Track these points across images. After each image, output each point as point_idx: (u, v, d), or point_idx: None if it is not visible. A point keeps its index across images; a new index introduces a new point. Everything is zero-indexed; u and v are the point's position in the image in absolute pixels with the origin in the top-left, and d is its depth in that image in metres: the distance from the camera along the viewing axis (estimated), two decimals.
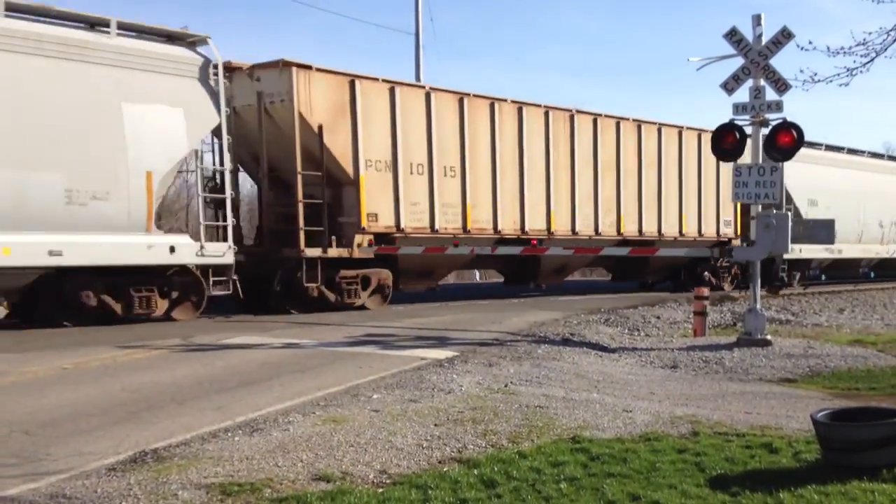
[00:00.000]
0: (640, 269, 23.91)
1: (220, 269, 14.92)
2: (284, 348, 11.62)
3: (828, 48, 10.79)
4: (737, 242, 24.32)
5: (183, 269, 14.76)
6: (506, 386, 8.93)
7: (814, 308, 20.04)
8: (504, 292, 23.50)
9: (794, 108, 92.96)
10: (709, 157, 20.33)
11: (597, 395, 8.75)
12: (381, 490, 5.38)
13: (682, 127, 23.73)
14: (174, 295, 14.85)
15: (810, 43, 11.11)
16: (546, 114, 20.58)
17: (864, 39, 10.61)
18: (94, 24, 13.82)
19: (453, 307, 18.38)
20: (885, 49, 10.61)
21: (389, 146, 17.28)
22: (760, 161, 12.74)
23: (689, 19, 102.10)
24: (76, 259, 13.21)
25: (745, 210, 24.57)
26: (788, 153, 12.89)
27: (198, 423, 7.01)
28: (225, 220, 15.39)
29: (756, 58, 12.52)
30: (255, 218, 19.12)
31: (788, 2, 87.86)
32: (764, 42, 12.53)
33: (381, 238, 17.24)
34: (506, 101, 19.69)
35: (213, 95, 14.91)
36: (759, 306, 12.82)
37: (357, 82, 16.82)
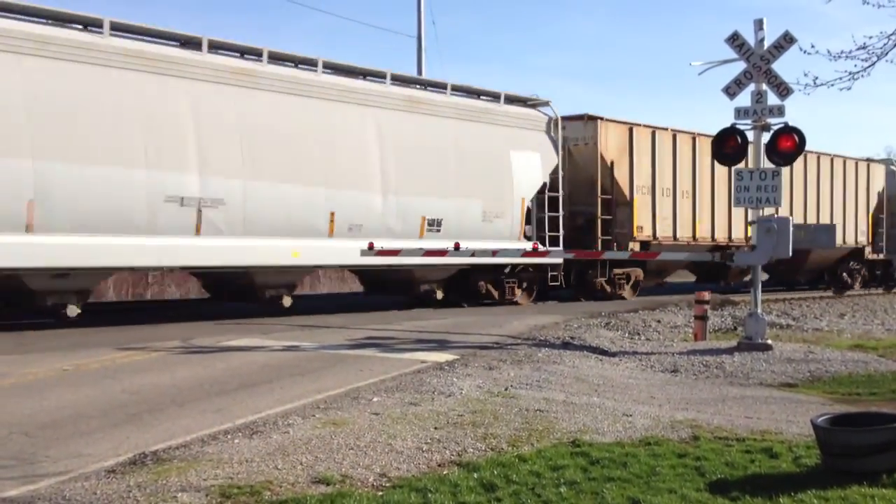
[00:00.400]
0: (795, 270, 27.74)
1: (554, 267, 19.96)
2: (285, 351, 11.63)
3: (829, 52, 10.76)
4: (868, 249, 29.13)
5: (525, 267, 19.73)
6: (506, 389, 8.93)
7: (814, 313, 20.05)
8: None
9: (796, 113, 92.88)
10: (849, 177, 28.24)
11: (597, 399, 8.74)
12: (380, 493, 5.37)
13: (832, 155, 28.81)
14: (524, 285, 20.02)
15: (812, 46, 11.12)
16: None
17: (865, 43, 10.60)
18: (480, 95, 19.57)
19: (457, 311, 18.39)
20: (886, 53, 10.60)
21: (650, 175, 22.18)
22: (762, 166, 12.74)
23: (690, 24, 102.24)
24: (487, 258, 17.12)
25: (876, 221, 28.70)
26: (790, 158, 12.91)
27: (198, 425, 7.02)
28: (557, 230, 20.13)
29: (758, 62, 12.51)
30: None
31: (790, 7, 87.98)
32: (766, 46, 12.53)
33: (643, 245, 21.85)
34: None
35: (554, 143, 20.29)
36: (759, 310, 12.81)
37: (633, 129, 21.86)
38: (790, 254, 12.68)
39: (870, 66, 10.71)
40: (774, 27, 12.84)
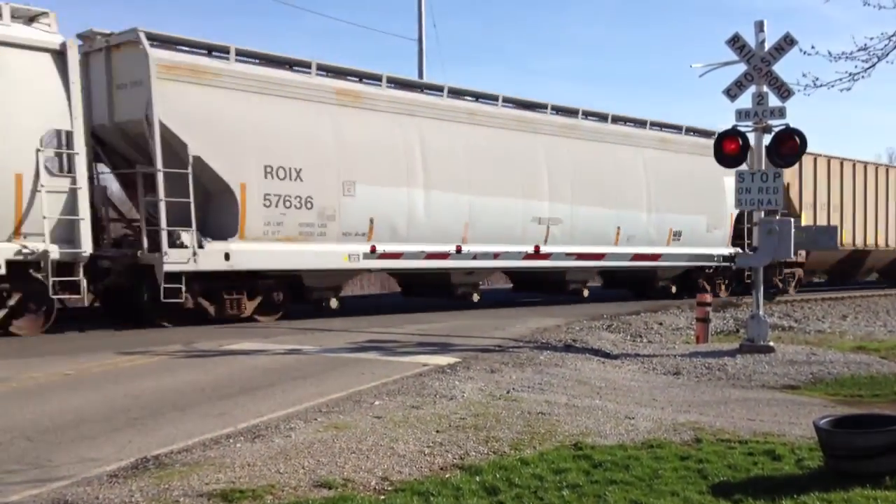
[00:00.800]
0: None
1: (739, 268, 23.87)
2: (287, 354, 11.62)
3: (829, 53, 10.78)
4: None
5: (726, 267, 24.40)
6: (508, 392, 8.92)
7: (816, 314, 20.03)
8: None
9: (797, 114, 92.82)
10: None
11: (599, 402, 8.73)
12: (382, 497, 5.37)
13: None
14: (726, 282, 24.96)
15: (813, 48, 11.12)
16: (880, 169, 31.63)
17: (866, 44, 10.62)
18: (694, 132, 24.23)
19: (459, 314, 18.39)
20: (887, 54, 10.63)
21: (812, 193, 27.44)
22: (763, 167, 12.73)
23: (691, 27, 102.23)
24: (710, 261, 24.04)
25: None
26: (791, 159, 12.89)
27: (199, 429, 7.01)
28: (750, 238, 24.14)
29: (759, 64, 12.50)
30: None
31: (791, 9, 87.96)
32: (767, 48, 12.51)
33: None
34: (862, 162, 30.45)
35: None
36: (761, 312, 12.80)
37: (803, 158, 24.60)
38: (792, 255, 12.67)
39: (870, 67, 10.74)
40: (775, 29, 12.85)
